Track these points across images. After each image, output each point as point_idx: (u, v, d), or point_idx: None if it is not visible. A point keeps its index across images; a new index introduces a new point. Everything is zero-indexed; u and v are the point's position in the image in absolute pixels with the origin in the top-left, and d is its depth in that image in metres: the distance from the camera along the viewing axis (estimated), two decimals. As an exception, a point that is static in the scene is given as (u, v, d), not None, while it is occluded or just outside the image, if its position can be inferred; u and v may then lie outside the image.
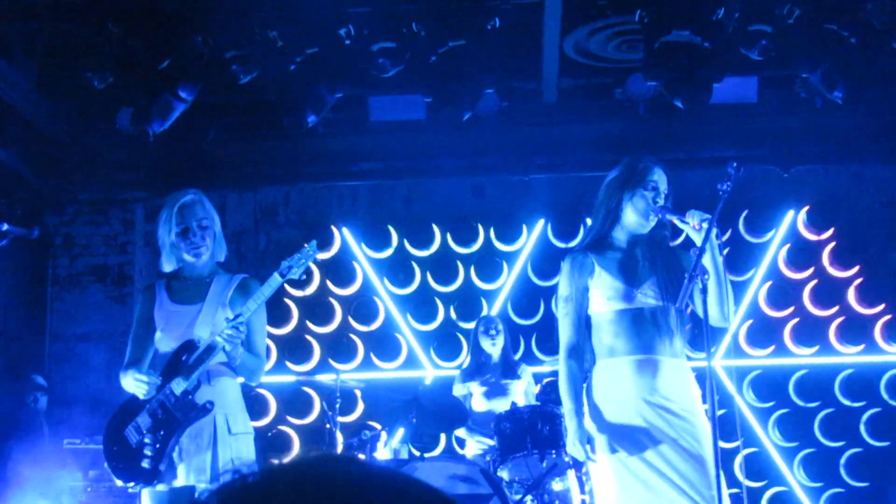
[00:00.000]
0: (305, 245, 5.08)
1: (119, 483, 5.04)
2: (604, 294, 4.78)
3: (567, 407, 4.78)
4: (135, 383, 4.92)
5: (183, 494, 4.95)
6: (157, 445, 4.88)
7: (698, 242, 4.56)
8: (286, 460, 1.08)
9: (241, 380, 5.16)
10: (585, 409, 4.81)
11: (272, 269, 5.03)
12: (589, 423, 4.77)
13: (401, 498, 1.02)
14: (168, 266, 5.19)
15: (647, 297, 4.75)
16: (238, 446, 4.96)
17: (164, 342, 5.09)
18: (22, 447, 8.77)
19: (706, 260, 4.60)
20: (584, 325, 4.90)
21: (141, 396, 4.94)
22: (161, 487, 4.90)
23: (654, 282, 4.77)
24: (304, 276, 5.02)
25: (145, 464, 4.87)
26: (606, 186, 4.97)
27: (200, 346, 4.95)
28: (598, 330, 4.84)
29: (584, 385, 4.91)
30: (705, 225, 4.53)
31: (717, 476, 4.26)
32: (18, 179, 9.91)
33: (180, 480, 4.88)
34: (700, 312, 4.56)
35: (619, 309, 4.75)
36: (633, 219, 4.85)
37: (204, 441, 4.90)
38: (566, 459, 7.08)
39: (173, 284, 5.22)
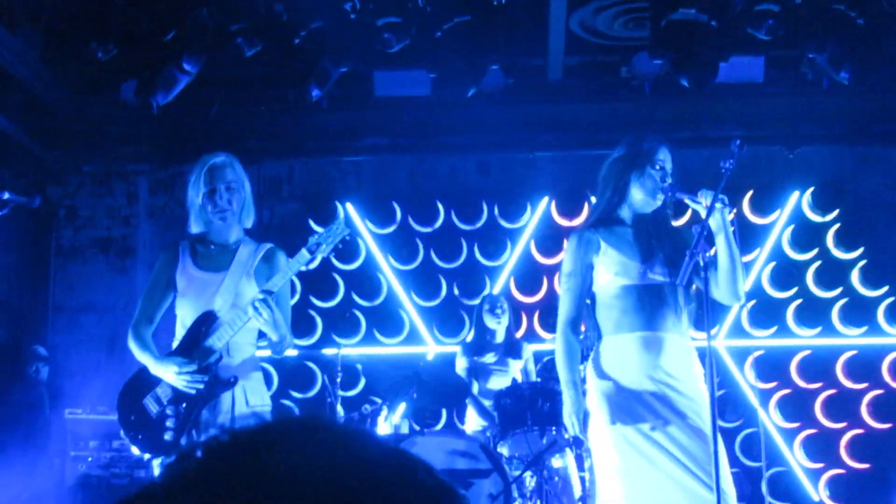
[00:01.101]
0: (334, 223, 5.01)
1: (137, 452, 5.04)
2: (610, 269, 4.78)
3: (564, 378, 4.79)
4: (177, 377, 4.87)
5: None
6: (180, 418, 4.86)
7: (712, 223, 4.56)
8: (279, 421, 1.08)
9: (264, 353, 5.13)
10: (591, 384, 4.82)
11: (299, 244, 4.99)
12: (592, 398, 4.78)
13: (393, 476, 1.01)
14: (195, 228, 5.14)
15: (655, 273, 4.75)
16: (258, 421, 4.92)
17: (185, 309, 5.04)
18: (24, 417, 8.80)
19: (720, 241, 4.60)
20: (584, 302, 4.90)
21: (182, 388, 4.88)
22: None
23: (662, 259, 4.77)
24: (334, 254, 4.95)
25: (167, 436, 4.86)
26: (612, 164, 4.95)
27: (219, 316, 4.92)
28: (604, 306, 4.83)
29: (589, 360, 4.91)
30: (719, 205, 4.53)
31: (716, 453, 4.26)
32: (22, 150, 9.91)
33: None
34: (704, 290, 4.56)
35: (625, 285, 4.75)
36: (640, 197, 4.85)
37: (222, 414, 4.89)
38: (566, 436, 7.09)
39: (198, 248, 5.16)
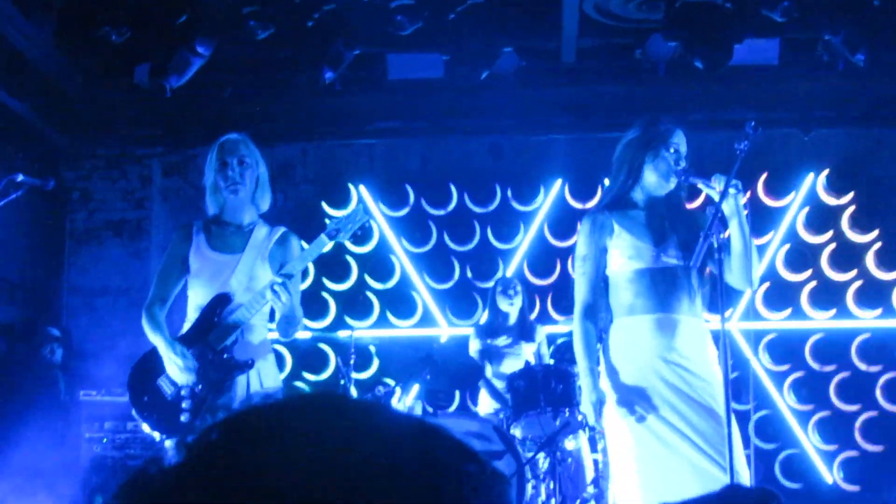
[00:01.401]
0: (354, 208, 5.01)
1: (148, 430, 5.04)
2: (624, 253, 4.77)
3: (582, 366, 4.79)
4: (171, 364, 4.89)
5: None
6: (195, 399, 4.85)
7: (725, 208, 4.55)
8: (302, 394, 1.08)
9: (273, 335, 5.14)
10: (604, 366, 4.82)
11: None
12: (605, 381, 4.78)
13: (422, 445, 1.01)
14: (211, 209, 5.15)
15: (669, 256, 4.73)
16: None
17: (198, 290, 5.03)
18: (39, 399, 8.85)
19: (733, 226, 4.59)
20: (600, 285, 4.89)
21: (175, 377, 4.91)
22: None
23: (675, 241, 4.75)
24: (353, 240, 4.94)
25: (183, 417, 4.84)
26: (626, 146, 4.94)
27: (234, 299, 4.92)
28: (618, 289, 4.82)
29: (603, 342, 4.91)
30: (732, 190, 4.52)
31: (729, 435, 4.26)
32: (35, 134, 9.92)
33: None
34: (717, 272, 4.56)
35: (639, 268, 4.74)
36: (653, 181, 4.83)
37: (236, 396, 4.88)
38: (579, 418, 7.09)
39: (213, 229, 5.15)
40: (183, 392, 4.88)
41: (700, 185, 4.72)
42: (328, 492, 0.92)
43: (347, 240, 4.96)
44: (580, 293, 4.89)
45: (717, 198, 4.55)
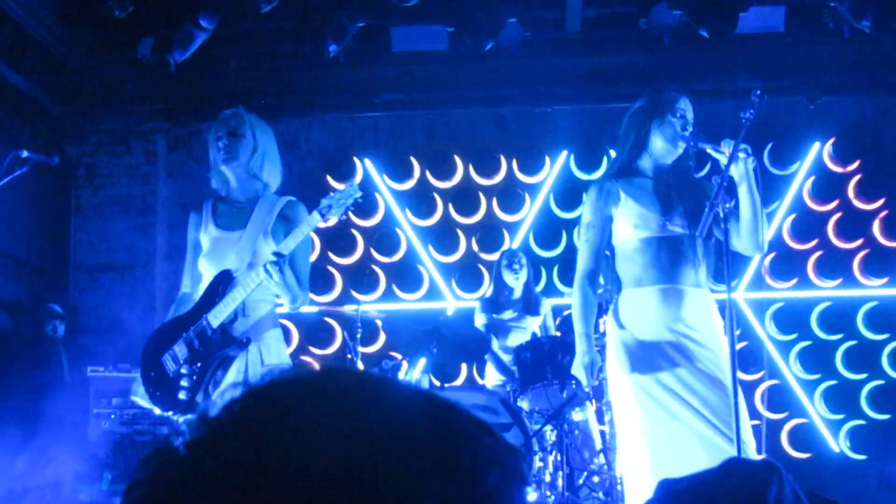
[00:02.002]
0: (346, 185, 4.95)
1: (146, 405, 5.07)
2: (630, 222, 4.76)
3: (578, 329, 4.82)
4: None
5: None
6: (195, 377, 4.86)
7: (734, 171, 4.54)
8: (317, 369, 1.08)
9: (281, 309, 5.15)
10: (610, 336, 4.82)
11: (318, 202, 4.97)
12: (612, 351, 4.78)
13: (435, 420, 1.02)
14: (217, 186, 5.14)
15: (675, 225, 4.73)
16: None
17: (206, 268, 5.05)
18: (41, 375, 8.87)
19: (743, 190, 4.58)
20: (603, 253, 4.90)
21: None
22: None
23: (682, 211, 4.74)
24: (345, 217, 4.92)
25: (182, 395, 4.87)
26: (633, 115, 4.94)
27: (237, 276, 4.91)
28: (624, 258, 4.82)
29: (609, 312, 4.91)
30: (742, 154, 4.51)
31: (735, 405, 4.26)
32: (39, 109, 9.91)
33: (214, 412, 4.89)
34: (724, 242, 4.55)
35: (646, 237, 4.73)
36: (660, 146, 4.82)
37: (237, 373, 4.89)
38: (586, 390, 7.10)
39: (219, 207, 5.15)
40: (183, 370, 4.90)
41: (709, 150, 4.71)
42: (348, 464, 0.93)
43: (341, 216, 4.91)
44: (582, 259, 4.91)
45: (724, 160, 4.54)
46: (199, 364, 4.88)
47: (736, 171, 4.55)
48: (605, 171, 5.17)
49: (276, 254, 4.75)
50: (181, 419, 4.96)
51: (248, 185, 5.12)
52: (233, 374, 4.88)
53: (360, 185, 5.13)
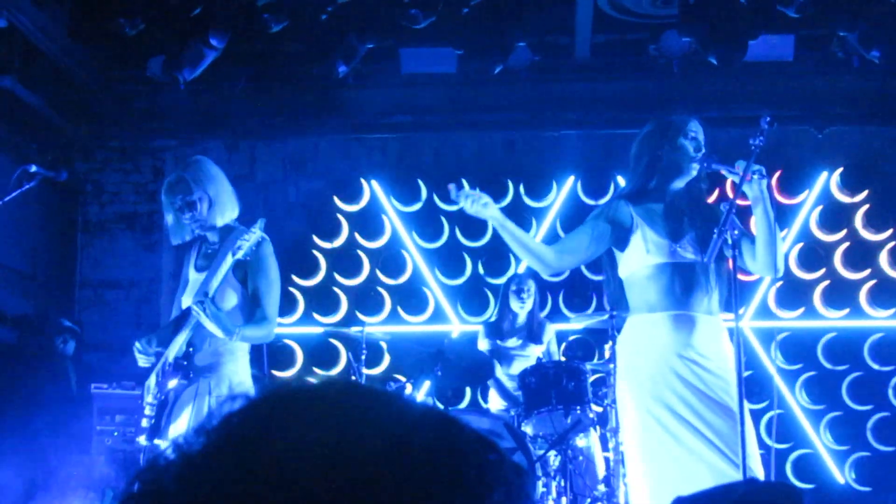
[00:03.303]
0: (253, 225, 5.11)
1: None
2: (642, 247, 4.73)
3: (507, 222, 4.92)
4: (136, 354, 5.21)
5: None
6: (156, 407, 5.11)
7: (748, 193, 4.53)
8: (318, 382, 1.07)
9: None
10: (620, 362, 4.81)
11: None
12: (621, 376, 4.76)
13: (438, 436, 1.00)
14: (175, 240, 5.37)
15: (687, 251, 4.70)
16: (220, 409, 5.03)
17: (185, 306, 5.25)
18: (49, 391, 8.85)
19: (759, 212, 4.56)
20: (576, 241, 4.88)
21: (140, 364, 5.21)
22: (159, 442, 5.11)
23: (694, 237, 4.72)
24: (248, 258, 5.03)
25: (144, 422, 5.12)
26: (643, 140, 4.91)
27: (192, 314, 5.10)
28: (635, 284, 4.79)
29: (619, 337, 4.89)
30: (755, 177, 4.49)
31: (742, 433, 4.23)
32: (48, 125, 9.93)
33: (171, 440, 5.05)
34: (739, 263, 4.55)
35: (657, 263, 4.70)
36: (674, 170, 4.81)
37: (186, 403, 5.09)
38: (590, 416, 7.08)
39: (202, 248, 5.40)
40: (148, 398, 5.15)
41: (723, 172, 4.70)
42: (353, 479, 0.92)
43: (244, 257, 5.02)
44: (567, 238, 4.98)
45: (738, 181, 4.53)
46: (159, 395, 5.12)
47: (750, 192, 4.54)
48: (620, 191, 5.15)
49: (203, 294, 4.97)
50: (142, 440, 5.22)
51: (216, 229, 5.34)
52: (184, 405, 5.10)
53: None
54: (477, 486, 0.98)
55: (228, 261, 5.00)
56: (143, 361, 5.17)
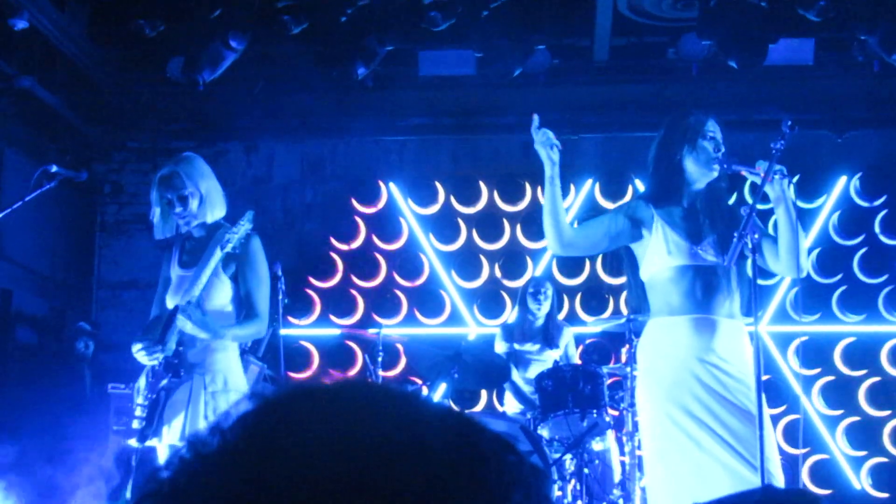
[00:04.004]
0: (241, 220, 5.09)
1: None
2: (663, 249, 4.71)
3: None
4: (136, 355, 5.15)
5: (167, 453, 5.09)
6: (148, 407, 5.05)
7: (770, 193, 4.52)
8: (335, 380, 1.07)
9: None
10: (641, 364, 4.79)
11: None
12: (641, 379, 4.74)
13: (459, 437, 1.00)
14: (159, 234, 5.34)
15: (708, 254, 4.68)
16: (216, 404, 5.05)
17: (170, 305, 5.23)
18: (66, 393, 8.88)
19: (781, 212, 4.55)
20: (591, 229, 4.92)
21: (147, 364, 5.14)
22: (152, 443, 5.09)
23: (715, 239, 4.70)
24: (238, 251, 5.04)
25: (135, 424, 5.08)
26: (662, 143, 4.90)
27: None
28: (657, 287, 4.77)
29: (640, 340, 4.88)
30: (777, 177, 4.48)
31: (761, 437, 4.22)
32: (68, 126, 9.98)
33: (166, 440, 5.06)
34: (760, 263, 4.54)
35: (678, 265, 4.69)
36: (694, 171, 4.79)
37: (181, 402, 5.05)
38: (607, 419, 7.06)
39: (186, 245, 5.37)
40: (139, 400, 5.12)
41: (744, 172, 4.69)
42: (372, 479, 0.92)
43: (234, 250, 5.02)
44: (585, 225, 5.04)
45: (760, 182, 4.52)
46: (151, 395, 5.07)
47: (772, 193, 4.52)
48: (642, 192, 5.15)
49: (188, 302, 4.94)
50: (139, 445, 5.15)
51: (205, 225, 5.30)
52: (179, 404, 5.04)
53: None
54: (497, 487, 0.97)
55: (217, 255, 4.99)
56: (150, 360, 5.09)
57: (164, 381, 5.04)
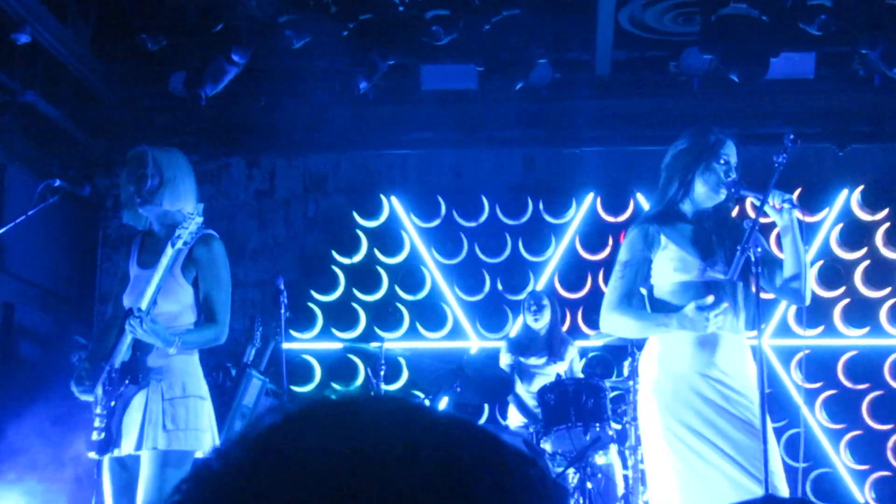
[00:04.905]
0: (190, 215, 4.96)
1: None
2: (670, 265, 4.73)
3: (650, 325, 4.71)
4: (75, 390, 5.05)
5: (127, 464, 5.01)
6: (104, 416, 4.92)
7: (779, 222, 4.55)
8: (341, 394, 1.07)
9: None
10: (644, 379, 4.77)
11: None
12: (645, 394, 4.73)
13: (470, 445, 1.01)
14: (126, 218, 5.26)
15: (715, 271, 4.70)
16: (175, 411, 4.93)
17: (127, 305, 5.12)
18: (63, 406, 8.87)
19: (788, 242, 4.57)
20: (633, 292, 4.83)
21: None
22: (116, 453, 4.95)
23: (722, 256, 4.72)
24: (187, 245, 4.89)
25: (94, 435, 4.92)
26: (676, 158, 4.91)
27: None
28: (662, 301, 4.78)
29: (642, 354, 4.87)
30: (786, 206, 4.51)
31: (765, 451, 4.22)
32: (70, 140, 9.99)
33: (124, 450, 4.92)
34: (765, 286, 4.55)
35: (684, 280, 4.70)
36: (703, 192, 4.82)
37: (135, 409, 4.92)
38: (609, 433, 7.06)
39: (145, 242, 5.26)
40: (97, 409, 4.96)
41: (752, 199, 4.71)
42: (398, 492, 0.92)
43: (185, 245, 4.89)
44: (613, 293, 4.83)
45: (770, 212, 4.54)
46: (107, 403, 4.93)
47: (780, 222, 4.55)
48: (647, 212, 5.13)
49: (137, 309, 4.80)
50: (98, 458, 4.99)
51: (165, 218, 5.18)
52: (136, 411, 4.90)
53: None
54: (522, 500, 0.98)
55: (168, 253, 4.86)
56: (83, 397, 5.00)
57: (122, 388, 4.90)
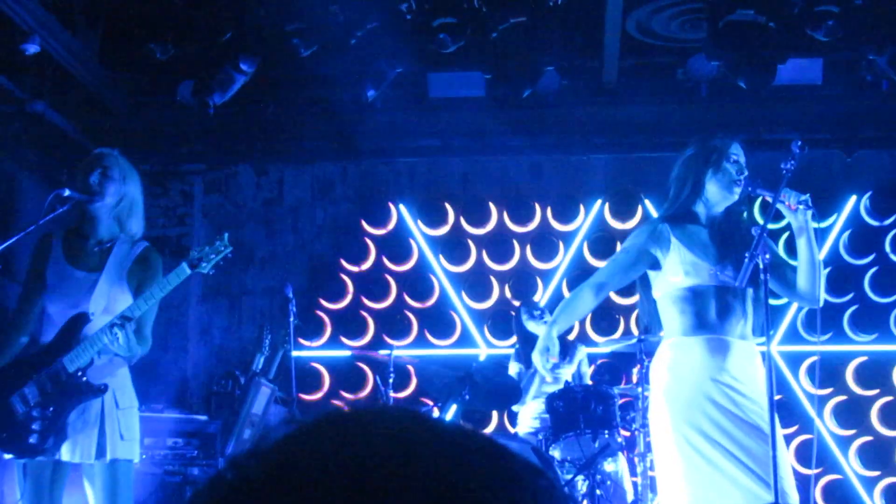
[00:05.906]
0: (218, 239, 4.97)
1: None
2: (681, 269, 4.73)
3: (555, 316, 4.85)
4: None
5: (66, 470, 4.95)
6: (47, 421, 4.78)
7: (793, 222, 4.55)
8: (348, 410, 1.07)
9: None
10: (655, 385, 4.78)
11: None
12: (656, 399, 4.74)
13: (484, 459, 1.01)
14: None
15: (726, 276, 4.70)
16: (126, 421, 4.93)
17: (56, 305, 5.00)
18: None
19: (802, 243, 4.58)
20: (621, 279, 4.93)
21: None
22: (42, 458, 4.84)
23: (732, 260, 4.72)
24: (213, 272, 4.90)
25: (32, 439, 4.79)
26: (686, 163, 4.93)
27: (94, 322, 4.87)
28: (672, 306, 4.79)
29: (654, 360, 4.88)
30: (801, 207, 4.51)
31: (774, 457, 4.21)
32: (79, 149, 9.99)
33: (66, 456, 4.82)
34: (778, 289, 4.56)
35: (695, 285, 4.71)
36: (716, 193, 4.83)
37: (91, 417, 4.84)
38: (619, 440, 7.05)
39: (72, 242, 5.15)
40: (34, 412, 4.82)
41: (766, 198, 4.72)
42: (409, 500, 0.92)
43: (209, 271, 4.91)
44: (602, 272, 4.99)
45: (786, 213, 4.55)
46: (52, 408, 4.80)
47: (794, 223, 4.56)
48: (660, 214, 5.15)
49: (123, 317, 4.75)
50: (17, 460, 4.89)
51: (110, 226, 5.15)
52: (90, 419, 4.83)
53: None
54: None
55: (183, 271, 4.86)
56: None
57: (81, 396, 4.79)
